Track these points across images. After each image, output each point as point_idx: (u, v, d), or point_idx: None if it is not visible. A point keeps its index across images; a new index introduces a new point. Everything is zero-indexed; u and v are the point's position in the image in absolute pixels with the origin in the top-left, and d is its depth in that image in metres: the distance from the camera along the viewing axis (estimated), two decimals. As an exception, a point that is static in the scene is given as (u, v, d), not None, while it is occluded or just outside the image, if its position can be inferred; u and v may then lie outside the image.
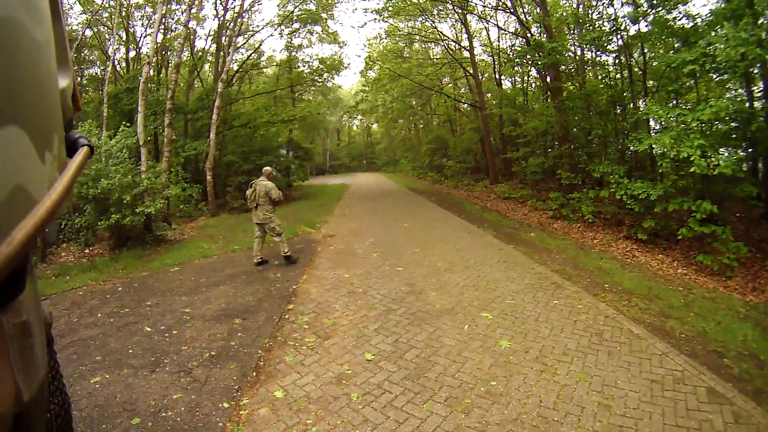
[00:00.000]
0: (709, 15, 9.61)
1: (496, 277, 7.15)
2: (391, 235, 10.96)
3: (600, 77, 15.87)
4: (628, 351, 4.70)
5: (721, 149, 9.57)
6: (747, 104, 9.74)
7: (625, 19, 12.40)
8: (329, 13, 22.84)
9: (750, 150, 9.92)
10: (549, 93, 16.80)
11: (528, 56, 15.12)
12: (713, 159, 7.79)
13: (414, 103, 32.63)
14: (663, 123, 9.47)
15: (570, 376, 4.17)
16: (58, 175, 0.43)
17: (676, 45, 10.80)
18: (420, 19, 23.36)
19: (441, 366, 4.43)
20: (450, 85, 31.07)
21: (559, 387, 3.99)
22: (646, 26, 11.70)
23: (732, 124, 8.92)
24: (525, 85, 22.96)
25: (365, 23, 54.28)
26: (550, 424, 3.50)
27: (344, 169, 56.38)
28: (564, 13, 17.56)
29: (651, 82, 12.56)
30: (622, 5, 12.93)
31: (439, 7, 21.25)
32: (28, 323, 0.41)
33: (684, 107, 10.10)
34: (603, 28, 13.08)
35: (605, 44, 13.02)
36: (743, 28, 7.95)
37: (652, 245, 8.87)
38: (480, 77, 23.81)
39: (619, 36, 12.79)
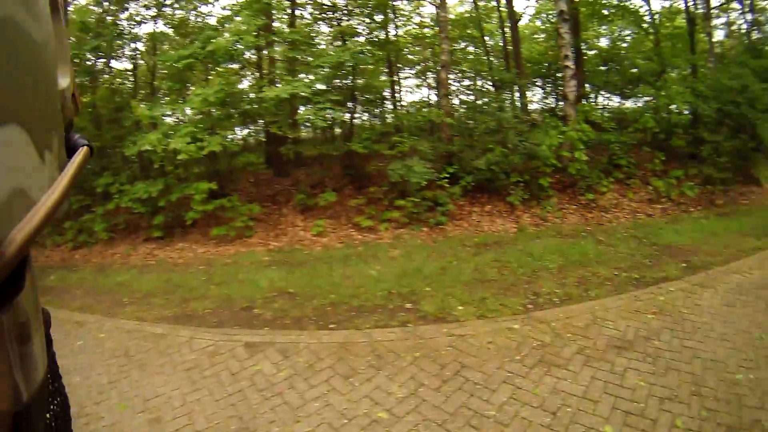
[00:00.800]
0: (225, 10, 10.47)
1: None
2: None
3: (111, 85, 14.83)
4: (157, 355, 4.42)
5: (236, 129, 10.51)
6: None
7: (135, 23, 12.08)
8: None
9: (261, 124, 11.12)
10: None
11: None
12: (204, 142, 8.17)
13: None
14: (157, 121, 9.52)
15: (113, 413, 3.61)
16: (58, 175, 0.43)
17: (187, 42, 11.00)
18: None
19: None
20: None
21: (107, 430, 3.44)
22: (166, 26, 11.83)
23: (245, 106, 9.60)
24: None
25: None
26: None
27: None
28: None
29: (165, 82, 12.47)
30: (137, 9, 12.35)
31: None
32: (28, 323, 0.40)
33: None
34: (112, 33, 12.13)
35: (113, 50, 12.17)
36: (245, 21, 8.82)
37: (170, 238, 8.86)
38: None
39: (132, 41, 12.37)
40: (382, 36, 11.55)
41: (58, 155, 0.46)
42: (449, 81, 10.81)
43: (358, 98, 10.58)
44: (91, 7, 15.26)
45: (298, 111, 8.73)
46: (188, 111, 9.18)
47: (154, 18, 11.86)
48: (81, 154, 0.50)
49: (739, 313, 4.63)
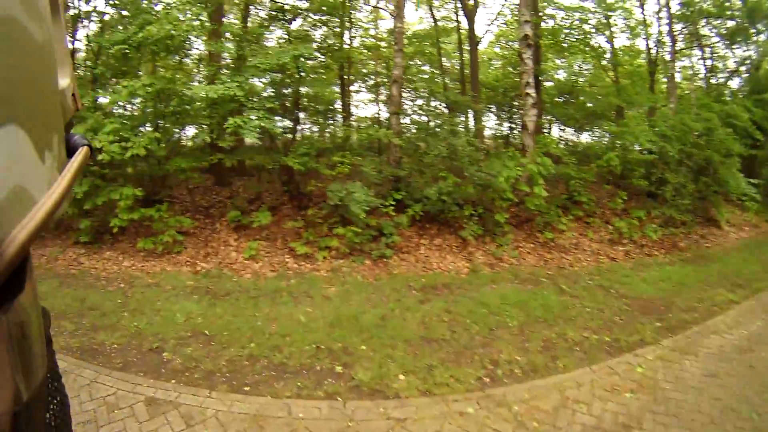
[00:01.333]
0: None
1: None
2: None
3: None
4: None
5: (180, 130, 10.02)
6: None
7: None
8: None
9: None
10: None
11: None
12: (129, 143, 7.43)
13: None
14: (84, 114, 8.78)
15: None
16: (58, 175, 0.44)
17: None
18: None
19: None
20: None
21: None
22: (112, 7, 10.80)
23: (176, 106, 8.89)
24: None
25: None
26: None
27: None
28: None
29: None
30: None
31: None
32: (28, 323, 0.41)
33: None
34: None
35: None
36: (181, 8, 8.36)
37: (99, 245, 8.06)
38: None
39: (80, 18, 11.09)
40: (336, 44, 11.24)
41: (58, 155, 0.47)
42: (401, 99, 10.61)
43: (303, 107, 10.07)
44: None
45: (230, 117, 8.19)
46: (123, 104, 8.65)
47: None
48: (81, 154, 0.52)
49: (724, 386, 4.37)
